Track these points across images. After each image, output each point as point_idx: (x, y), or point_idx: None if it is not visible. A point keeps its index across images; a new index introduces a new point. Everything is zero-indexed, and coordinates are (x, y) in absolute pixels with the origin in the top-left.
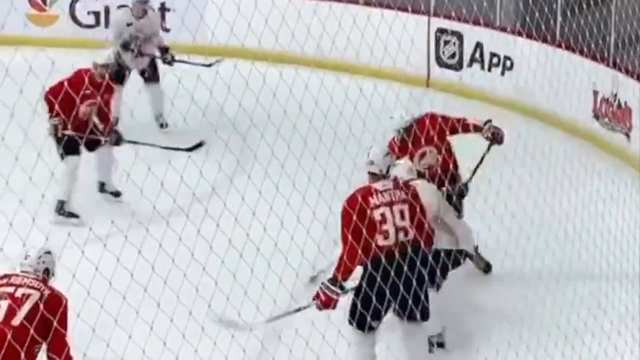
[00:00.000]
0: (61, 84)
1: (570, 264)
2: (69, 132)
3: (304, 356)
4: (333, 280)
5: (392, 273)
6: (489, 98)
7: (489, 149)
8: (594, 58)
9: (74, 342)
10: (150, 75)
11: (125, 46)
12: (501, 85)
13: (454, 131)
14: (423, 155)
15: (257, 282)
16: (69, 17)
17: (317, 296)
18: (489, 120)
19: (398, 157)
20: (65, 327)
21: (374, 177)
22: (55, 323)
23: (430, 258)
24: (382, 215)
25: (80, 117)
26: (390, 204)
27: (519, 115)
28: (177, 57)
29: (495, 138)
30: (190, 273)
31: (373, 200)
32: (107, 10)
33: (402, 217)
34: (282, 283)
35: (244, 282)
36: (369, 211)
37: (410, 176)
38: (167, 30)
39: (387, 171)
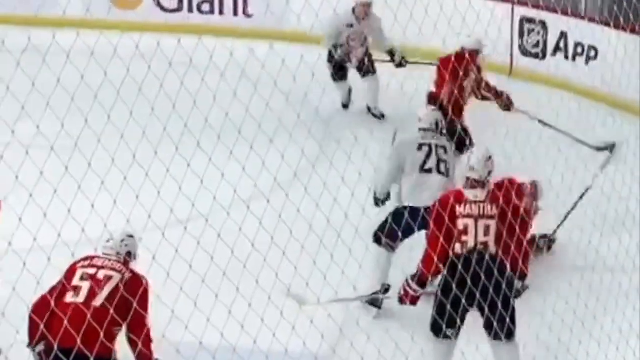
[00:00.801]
0: None
1: None
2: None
3: (381, 343)
4: (414, 277)
5: (468, 276)
6: (572, 87)
7: (582, 196)
8: None
9: (153, 324)
10: (366, 69)
11: (336, 48)
12: (585, 75)
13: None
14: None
15: (337, 267)
16: (153, 1)
17: (400, 293)
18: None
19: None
20: (145, 310)
21: (471, 183)
22: (135, 305)
23: (508, 272)
24: (465, 226)
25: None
26: (476, 218)
27: (605, 106)
28: (408, 59)
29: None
30: (270, 258)
31: (459, 209)
32: None
33: (486, 233)
34: (362, 269)
35: (323, 267)
36: (453, 219)
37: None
38: (250, 16)
39: (488, 176)
